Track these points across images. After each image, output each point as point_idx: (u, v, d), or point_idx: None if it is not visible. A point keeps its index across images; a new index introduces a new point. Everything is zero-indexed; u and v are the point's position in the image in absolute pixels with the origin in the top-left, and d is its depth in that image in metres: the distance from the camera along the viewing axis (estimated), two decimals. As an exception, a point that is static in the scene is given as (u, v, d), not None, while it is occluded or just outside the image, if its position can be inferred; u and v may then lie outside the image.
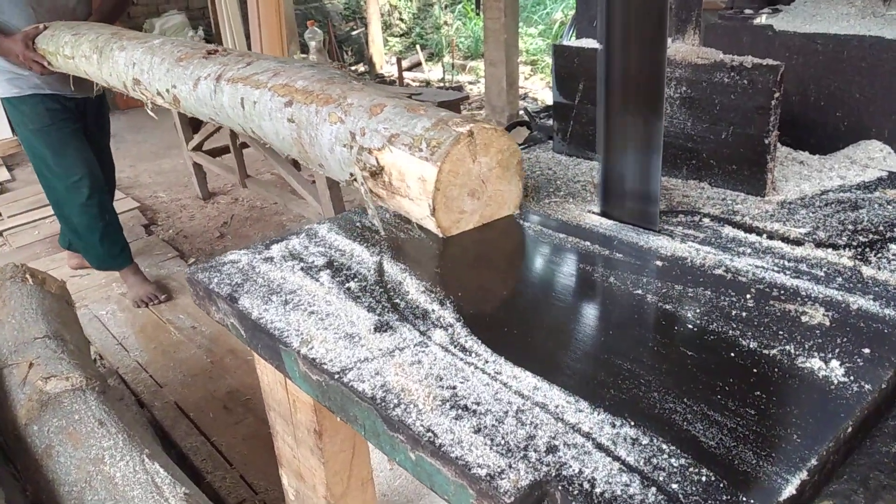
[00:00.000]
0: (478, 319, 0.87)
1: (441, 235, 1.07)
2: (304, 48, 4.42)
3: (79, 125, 2.92)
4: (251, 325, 0.93)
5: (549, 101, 6.44)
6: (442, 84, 7.31)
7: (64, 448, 1.54)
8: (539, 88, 6.97)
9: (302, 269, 1.04)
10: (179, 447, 2.30)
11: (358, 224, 1.18)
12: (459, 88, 7.19)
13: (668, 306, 0.86)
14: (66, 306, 2.22)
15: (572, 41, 1.50)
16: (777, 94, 1.09)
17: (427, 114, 1.10)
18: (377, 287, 0.97)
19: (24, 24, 2.62)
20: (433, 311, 0.89)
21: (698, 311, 0.85)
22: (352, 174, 1.15)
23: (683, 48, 1.19)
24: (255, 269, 1.05)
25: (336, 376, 0.78)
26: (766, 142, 1.12)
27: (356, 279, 0.99)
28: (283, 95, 1.30)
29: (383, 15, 8.93)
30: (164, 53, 1.79)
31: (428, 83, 7.51)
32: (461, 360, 0.79)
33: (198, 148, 4.19)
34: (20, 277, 2.16)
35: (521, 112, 5.66)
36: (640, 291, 0.90)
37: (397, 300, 0.93)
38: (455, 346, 0.81)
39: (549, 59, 7.60)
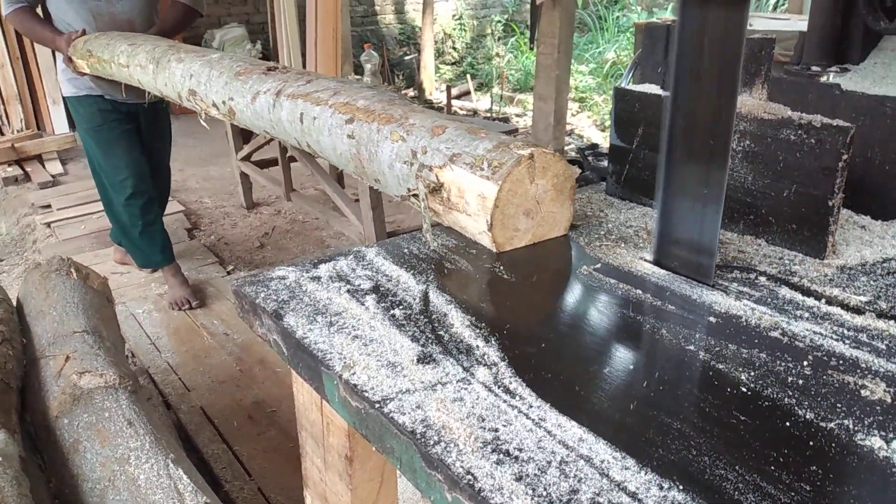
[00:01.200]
0: (523, 360, 0.85)
1: (495, 251, 1.12)
2: (358, 69, 4.50)
3: (130, 127, 3.03)
4: (294, 344, 0.93)
5: (595, 139, 6.43)
6: (489, 114, 7.35)
7: (91, 444, 1.55)
8: (586, 126, 6.97)
9: (348, 291, 1.03)
10: (201, 453, 2.31)
11: (406, 251, 1.18)
12: (506, 120, 7.23)
13: (721, 366, 0.84)
14: (106, 303, 2.25)
15: (632, 85, 1.49)
16: (845, 157, 1.06)
17: (488, 137, 1.16)
18: (422, 317, 0.96)
19: (82, 28, 2.77)
20: (477, 347, 0.88)
21: (753, 374, 0.82)
22: (410, 189, 1.21)
23: (750, 101, 1.17)
24: (302, 287, 1.05)
25: (377, 405, 0.77)
26: (830, 204, 1.09)
27: (401, 307, 0.98)
28: (344, 113, 1.37)
29: (437, 42, 9.05)
30: (222, 67, 1.87)
31: (475, 112, 7.56)
32: (504, 401, 0.77)
33: (246, 158, 4.26)
34: (65, 271, 2.20)
35: (575, 153, 5.65)
36: (692, 347, 0.88)
37: (441, 332, 0.92)
38: (499, 387, 0.79)
39: (597, 98, 7.61)
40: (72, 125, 6.24)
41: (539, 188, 1.13)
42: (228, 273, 3.59)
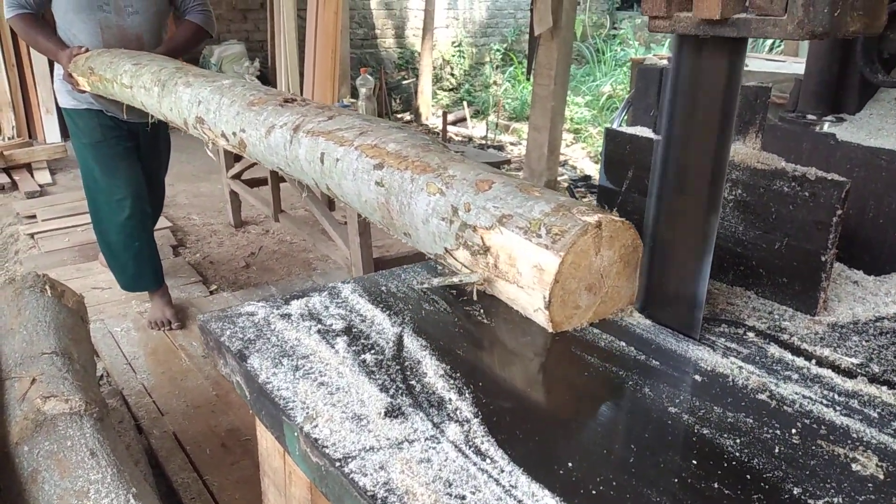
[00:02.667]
0: (497, 417, 0.80)
1: (551, 331, 0.99)
2: (355, 92, 4.49)
3: (131, 145, 2.94)
4: (257, 389, 0.88)
5: (589, 171, 6.43)
6: (484, 141, 7.36)
7: (50, 475, 1.49)
8: (580, 157, 6.97)
9: (319, 331, 0.99)
10: (171, 481, 2.23)
11: (383, 288, 1.14)
12: (501, 148, 7.23)
13: (705, 430, 0.79)
14: (79, 322, 2.19)
15: (624, 126, 1.46)
16: (840, 212, 1.03)
17: (544, 196, 1.03)
18: (394, 363, 0.91)
19: (89, 43, 2.70)
20: (450, 400, 0.83)
21: (738, 441, 0.78)
22: (448, 249, 1.10)
23: (743, 150, 1.14)
24: (271, 325, 1.01)
25: (337, 464, 0.72)
26: (823, 259, 1.06)
27: (373, 351, 0.94)
28: (373, 157, 1.23)
29: (435, 68, 9.09)
30: (234, 95, 1.71)
31: (470, 139, 7.56)
32: (475, 464, 0.72)
33: (237, 176, 4.21)
34: (39, 288, 2.14)
35: (565, 188, 5.65)
36: (675, 409, 0.83)
37: (413, 381, 0.87)
38: (469, 447, 0.75)
39: (592, 130, 7.63)
40: (64, 135, 6.19)
41: (604, 260, 1.00)
42: (211, 293, 3.53)
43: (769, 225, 1.11)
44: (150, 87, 2.12)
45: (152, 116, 2.35)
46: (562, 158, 6.27)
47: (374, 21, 8.75)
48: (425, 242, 1.15)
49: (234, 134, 1.65)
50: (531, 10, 5.40)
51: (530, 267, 0.97)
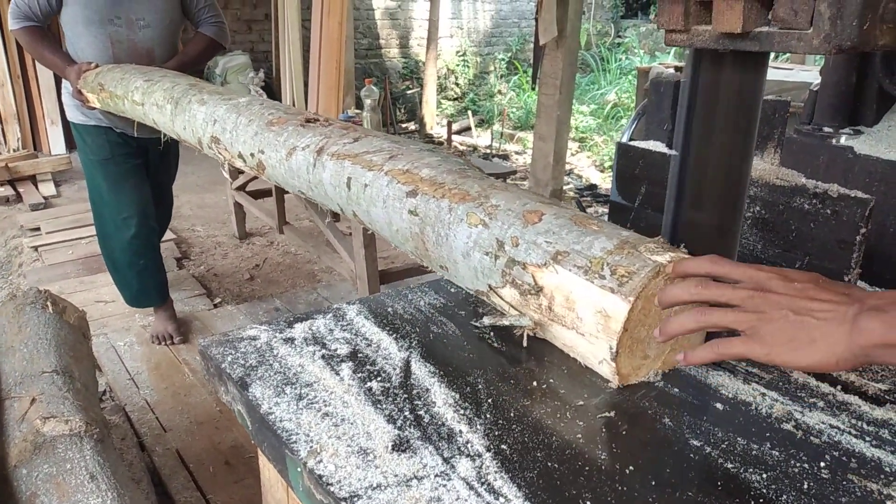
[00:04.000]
0: (511, 451, 0.76)
1: (616, 384, 0.88)
2: (360, 103, 4.46)
3: (140, 161, 2.89)
4: (258, 419, 0.84)
5: (594, 180, 6.40)
6: (489, 151, 7.34)
7: (49, 499, 1.45)
8: (585, 166, 6.95)
9: (323, 357, 0.95)
10: (174, 500, 2.20)
11: (390, 309, 1.10)
12: (506, 157, 7.21)
13: (729, 465, 0.75)
14: (81, 339, 2.16)
15: (635, 140, 1.42)
16: (863, 230, 0.99)
17: (603, 231, 0.93)
18: (401, 391, 0.87)
19: (98, 57, 2.64)
20: (461, 432, 0.79)
21: (765, 475, 0.74)
22: (492, 286, 1.00)
23: (761, 166, 1.11)
24: (274, 350, 0.97)
25: (343, 503, 0.68)
26: (847, 279, 1.02)
27: (379, 378, 0.90)
28: (405, 183, 1.13)
29: (440, 78, 9.09)
30: (251, 114, 1.60)
31: (475, 148, 7.55)
32: (486, 503, 0.68)
33: (241, 188, 4.19)
34: (41, 304, 2.12)
35: (573, 193, 5.61)
36: (696, 442, 0.79)
37: (421, 412, 0.83)
38: (482, 485, 0.71)
39: (598, 138, 7.60)
40: (69, 146, 6.20)
41: None
42: (216, 306, 3.50)
43: (789, 243, 1.08)
44: (163, 104, 2.04)
45: (164, 134, 2.26)
46: (567, 168, 6.24)
47: (378, 31, 8.75)
48: (465, 277, 1.05)
49: (252, 155, 1.55)
50: (536, 20, 5.38)
51: (593, 312, 0.85)
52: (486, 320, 1.00)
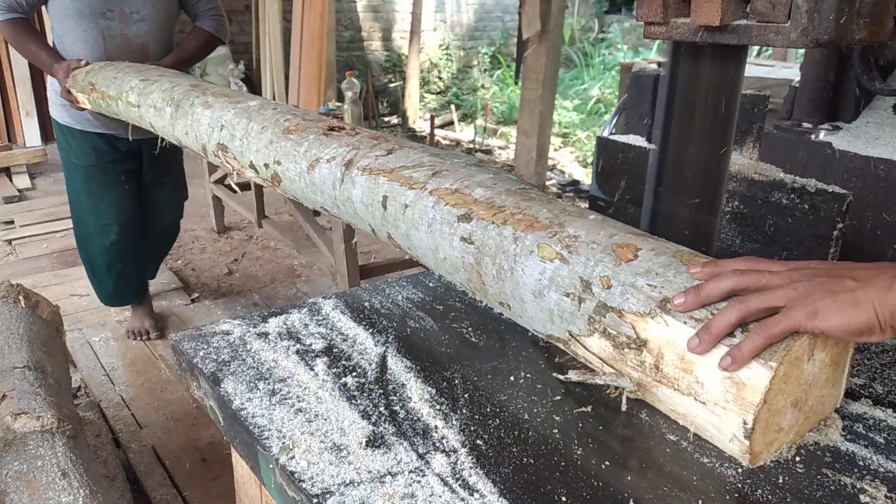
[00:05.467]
0: (487, 447, 0.76)
1: (746, 464, 0.74)
2: (342, 96, 4.44)
3: (128, 168, 2.72)
4: (230, 416, 0.83)
5: (577, 176, 6.41)
6: (472, 145, 7.33)
7: (20, 497, 1.42)
8: (568, 162, 6.96)
9: (297, 352, 0.94)
10: (149, 497, 2.17)
11: (366, 304, 1.09)
12: (489, 152, 7.20)
13: (705, 459, 0.75)
14: (54, 334, 2.13)
15: (616, 134, 1.42)
16: (841, 225, 0.99)
17: None
18: (376, 387, 0.86)
19: (89, 53, 2.45)
20: (436, 427, 0.78)
21: (741, 470, 0.73)
22: (573, 334, 0.85)
23: (740, 161, 1.11)
24: (247, 345, 0.95)
25: (315, 500, 0.67)
26: (823, 274, 1.02)
27: (354, 373, 0.89)
28: (456, 205, 0.99)
29: (423, 71, 9.05)
30: (265, 120, 1.44)
31: (458, 143, 7.53)
32: (462, 500, 0.67)
33: (219, 181, 4.15)
34: (13, 298, 2.08)
35: (556, 188, 5.62)
36: (672, 436, 0.79)
37: (397, 407, 0.82)
38: (457, 481, 0.70)
39: (581, 134, 7.62)
40: (45, 138, 6.10)
41: (815, 365, 0.75)
42: (193, 301, 3.46)
43: (767, 238, 1.08)
44: (162, 106, 1.86)
45: (162, 139, 2.05)
46: (550, 163, 6.25)
47: (360, 24, 8.69)
48: (535, 319, 0.92)
49: (267, 166, 1.38)
50: (519, 14, 5.38)
51: (720, 378, 0.71)
52: (573, 376, 0.86)
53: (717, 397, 0.72)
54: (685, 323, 0.74)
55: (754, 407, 0.69)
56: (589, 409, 0.83)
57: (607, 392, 0.84)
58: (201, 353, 0.93)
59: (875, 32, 0.75)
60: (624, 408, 0.81)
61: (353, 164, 1.17)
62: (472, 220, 0.96)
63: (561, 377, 0.87)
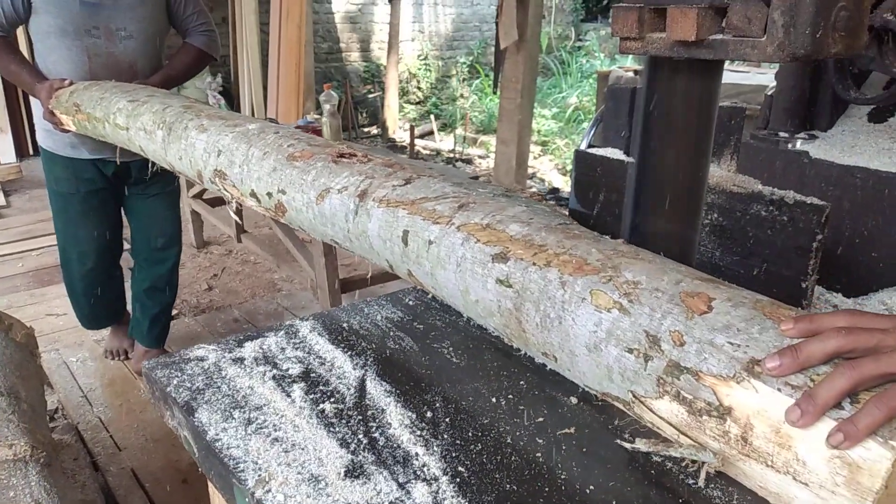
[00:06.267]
0: (469, 474, 0.74)
1: None
2: (321, 107, 4.42)
3: (109, 196, 2.60)
4: (205, 447, 0.80)
5: (557, 184, 6.43)
6: (452, 155, 7.33)
7: (-9, 529, 1.38)
8: (548, 170, 6.98)
9: (274, 378, 0.91)
10: (128, 522, 2.13)
11: (345, 325, 1.07)
12: (469, 161, 7.21)
13: (691, 481, 0.74)
14: (28, 357, 2.08)
15: (594, 147, 1.41)
16: (820, 237, 0.99)
17: None
18: (355, 413, 0.84)
19: (73, 72, 2.33)
20: (417, 455, 0.76)
21: (723, 481, 0.72)
22: (637, 395, 0.76)
23: (718, 173, 1.10)
24: (222, 371, 0.93)
25: (291, 536, 0.65)
26: (804, 286, 1.02)
27: (333, 399, 0.87)
28: (489, 243, 0.90)
29: (402, 82, 9.06)
30: (266, 145, 1.33)
31: (438, 153, 7.54)
32: (443, 532, 0.66)
33: (198, 195, 4.11)
34: (-16, 322, 2.02)
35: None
36: (658, 458, 0.78)
37: (376, 434, 0.80)
38: (438, 511, 0.68)
39: (560, 142, 7.65)
40: (19, 155, 6.02)
41: None
42: (173, 318, 3.41)
43: (747, 250, 1.07)
44: (153, 130, 1.74)
45: (153, 163, 1.91)
46: (530, 171, 6.27)
47: (338, 35, 8.68)
48: (589, 375, 0.82)
49: (270, 195, 1.28)
50: (496, 24, 5.39)
51: (827, 457, 0.61)
52: (642, 445, 0.76)
53: (824, 479, 0.62)
54: (779, 390, 0.63)
55: (873, 493, 0.59)
56: (572, 430, 0.82)
57: (683, 464, 0.74)
58: (175, 382, 0.90)
59: (850, 45, 0.75)
60: (702, 483, 0.71)
61: (368, 194, 1.08)
62: (508, 260, 0.87)
63: (626, 445, 0.77)
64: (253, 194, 1.36)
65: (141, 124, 1.79)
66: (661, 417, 0.74)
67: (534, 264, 0.84)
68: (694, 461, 0.72)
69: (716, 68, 0.85)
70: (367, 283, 3.05)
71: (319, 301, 3.04)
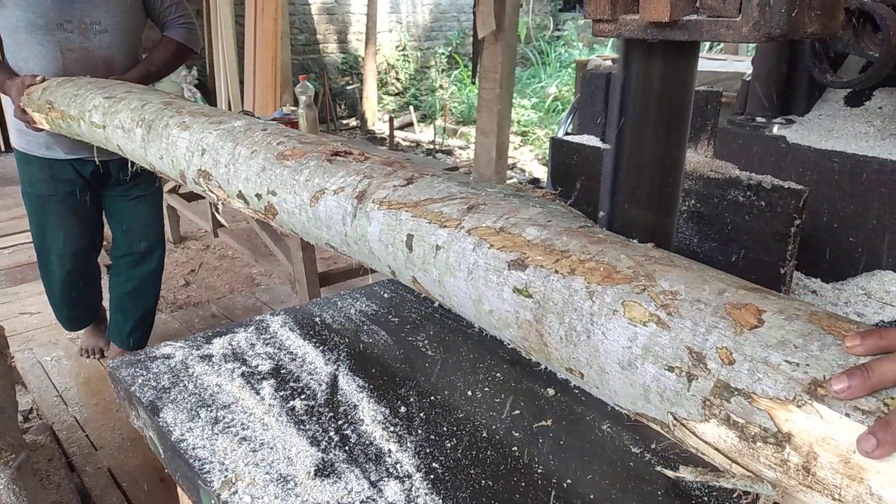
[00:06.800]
0: (443, 470, 0.72)
1: None
2: (298, 100, 4.37)
3: (86, 197, 2.47)
4: (170, 447, 0.77)
5: (537, 174, 6.42)
6: (432, 146, 7.30)
7: (-42, 535, 1.34)
8: (528, 160, 6.97)
9: (243, 374, 0.89)
10: (105, 523, 2.09)
11: (317, 320, 1.04)
12: (449, 152, 7.18)
13: (670, 472, 0.72)
14: (-2, 357, 2.03)
15: (570, 135, 1.39)
16: (798, 222, 0.98)
17: None
18: (326, 409, 0.82)
19: (46, 69, 2.22)
20: (390, 451, 0.74)
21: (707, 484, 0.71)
22: (678, 417, 0.68)
23: (695, 159, 1.09)
24: (189, 369, 0.90)
25: (258, 539, 0.63)
26: (783, 271, 1.01)
27: (303, 395, 0.84)
28: (504, 249, 0.82)
29: (380, 73, 8.99)
30: (254, 143, 1.25)
31: (418, 144, 7.50)
32: (416, 531, 0.63)
33: (173, 190, 4.04)
34: (-50, 322, 1.97)
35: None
36: (636, 448, 0.76)
37: (348, 431, 0.78)
38: (410, 510, 0.66)
39: (539, 132, 7.64)
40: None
41: None
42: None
43: (725, 236, 1.06)
44: (131, 128, 1.65)
45: (132, 163, 1.81)
46: (510, 161, 6.25)
47: (315, 26, 8.60)
48: (623, 395, 0.74)
49: (259, 196, 1.21)
50: (474, 13, 5.36)
51: None
52: (688, 474, 0.70)
53: None
54: (848, 415, 0.56)
55: None
56: (549, 423, 0.80)
57: (735, 497, 0.68)
58: (139, 381, 0.87)
59: (827, 25, 0.73)
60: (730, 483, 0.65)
61: (367, 195, 1.00)
62: (527, 267, 0.79)
63: (669, 474, 0.72)
64: (240, 195, 1.27)
65: (118, 122, 1.70)
66: (706, 442, 0.66)
67: (556, 272, 0.77)
68: (747, 492, 0.64)
69: (691, 50, 0.83)
70: (347, 276, 3.02)
71: (298, 295, 3.01)
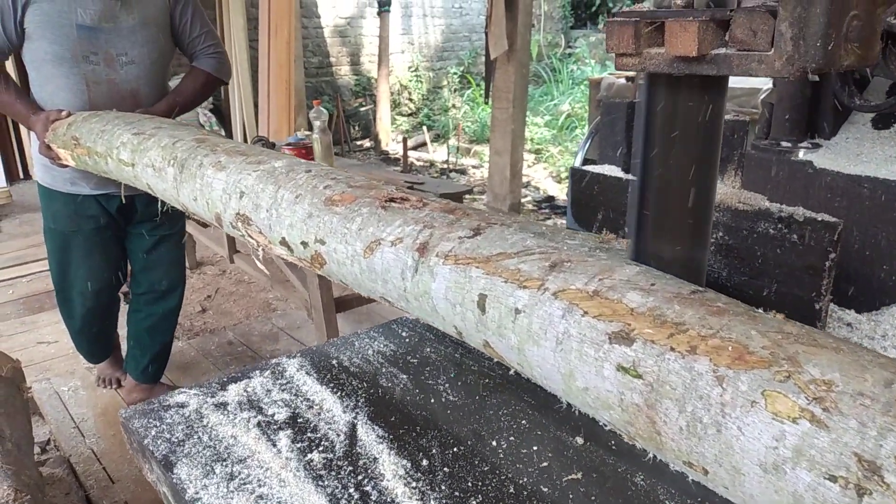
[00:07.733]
0: (468, 530, 0.68)
1: None
2: (312, 124, 4.38)
3: (111, 233, 2.41)
4: (183, 507, 0.75)
5: (552, 192, 6.39)
6: (446, 166, 7.30)
7: (-28, 581, 1.32)
8: (542, 178, 6.94)
9: (258, 424, 0.86)
10: (122, 559, 2.06)
11: (334, 362, 1.01)
12: (463, 171, 7.17)
13: (709, 532, 0.68)
14: (14, 392, 2.01)
15: (590, 165, 1.36)
16: (833, 256, 0.94)
17: None
18: (345, 463, 0.78)
19: (72, 102, 2.15)
20: (412, 510, 0.71)
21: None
22: None
23: (723, 189, 1.05)
24: (204, 419, 0.87)
25: None
26: (817, 307, 0.97)
27: (321, 447, 0.81)
28: (602, 318, 0.72)
29: (393, 94, 9.03)
30: (298, 187, 1.16)
31: (432, 164, 7.50)
32: None
33: (190, 216, 4.05)
34: (-33, 358, 1.96)
35: (532, 205, 5.58)
36: (671, 503, 0.72)
37: (368, 487, 0.75)
38: (436, 579, 0.62)
39: (553, 149, 7.61)
40: (9, 179, 5.96)
41: None
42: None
43: (755, 270, 1.02)
44: (162, 167, 1.56)
45: (163, 202, 1.71)
46: (524, 180, 6.23)
47: (328, 49, 8.66)
48: (760, 498, 0.63)
49: (305, 245, 1.11)
50: (486, 34, 5.36)
51: None
52: None
53: None
54: None
55: None
56: (579, 475, 0.77)
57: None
58: (153, 433, 0.85)
59: (864, 57, 0.70)
60: None
61: (430, 248, 0.91)
62: (634, 341, 0.68)
63: None
64: (284, 243, 1.17)
65: (148, 160, 1.61)
66: None
67: (672, 349, 0.66)
68: None
69: (719, 84, 0.80)
70: (363, 301, 3.00)
71: (314, 321, 2.98)
